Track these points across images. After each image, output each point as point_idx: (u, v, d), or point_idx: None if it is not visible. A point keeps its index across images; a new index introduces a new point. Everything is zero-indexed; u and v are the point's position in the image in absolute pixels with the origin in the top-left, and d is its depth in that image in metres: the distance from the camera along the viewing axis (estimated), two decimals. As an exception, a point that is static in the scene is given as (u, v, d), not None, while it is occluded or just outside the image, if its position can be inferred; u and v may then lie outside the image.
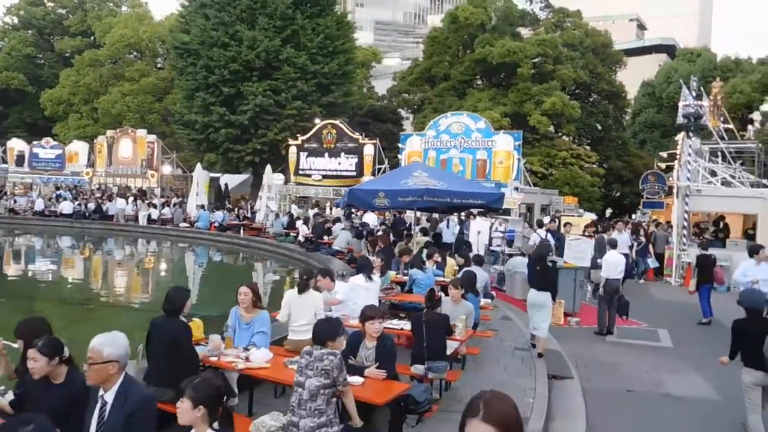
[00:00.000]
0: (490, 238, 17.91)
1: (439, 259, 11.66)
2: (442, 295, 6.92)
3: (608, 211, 42.23)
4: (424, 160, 28.88)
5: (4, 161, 40.81)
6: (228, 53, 31.78)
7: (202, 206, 25.94)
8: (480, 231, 17.40)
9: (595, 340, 10.98)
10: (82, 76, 49.99)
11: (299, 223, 21.20)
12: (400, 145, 29.83)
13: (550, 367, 8.68)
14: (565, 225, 16.60)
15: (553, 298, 9.51)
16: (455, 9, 41.04)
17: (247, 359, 5.36)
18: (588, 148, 41.72)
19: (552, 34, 40.14)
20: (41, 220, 27.76)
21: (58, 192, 34.33)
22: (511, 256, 16.37)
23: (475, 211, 17.43)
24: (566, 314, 12.31)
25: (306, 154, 32.20)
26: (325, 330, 4.61)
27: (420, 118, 38.49)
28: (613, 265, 11.18)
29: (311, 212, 24.25)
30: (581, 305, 12.71)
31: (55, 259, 20.75)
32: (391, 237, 15.20)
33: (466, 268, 10.25)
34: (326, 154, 31.53)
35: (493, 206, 12.93)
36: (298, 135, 32.37)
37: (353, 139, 30.99)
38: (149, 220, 26.89)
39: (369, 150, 30.53)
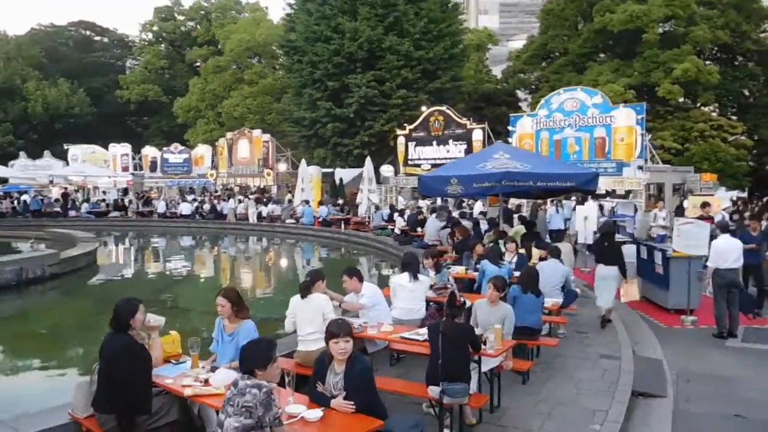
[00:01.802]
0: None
1: (521, 250, 10.19)
2: (466, 300, 5.61)
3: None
4: (536, 142, 26.98)
5: (141, 167, 43.77)
6: (331, 47, 31.57)
7: (307, 202, 25.81)
8: (587, 217, 15.46)
9: (711, 345, 8.99)
10: (208, 83, 52.56)
11: (396, 216, 20.30)
12: (510, 128, 27.98)
13: (640, 380, 7.02)
14: (702, 206, 14.27)
15: (623, 274, 9.63)
16: (570, -24, 38.12)
17: (206, 382, 4.44)
18: (733, 118, 37.13)
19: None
20: (163, 222, 29.09)
21: (190, 195, 36.04)
22: (623, 243, 14.36)
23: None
24: (678, 312, 10.36)
25: (414, 143, 31.25)
26: (252, 354, 3.58)
27: (537, 99, 36.13)
28: (723, 252, 9.12)
29: (409, 203, 23.25)
30: (701, 301, 10.63)
31: (174, 258, 21.51)
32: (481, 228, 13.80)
33: (539, 262, 8.78)
34: (434, 143, 30.39)
35: (584, 188, 11.20)
36: (405, 124, 31.52)
37: (461, 125, 29.58)
38: (259, 217, 27.24)
39: (477, 135, 28.98)
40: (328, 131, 32.61)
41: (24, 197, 32.32)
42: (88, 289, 14.22)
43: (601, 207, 16.60)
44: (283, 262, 20.87)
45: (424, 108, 31.07)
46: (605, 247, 9.78)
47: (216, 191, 37.24)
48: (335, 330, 4.04)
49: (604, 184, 24.90)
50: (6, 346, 9.48)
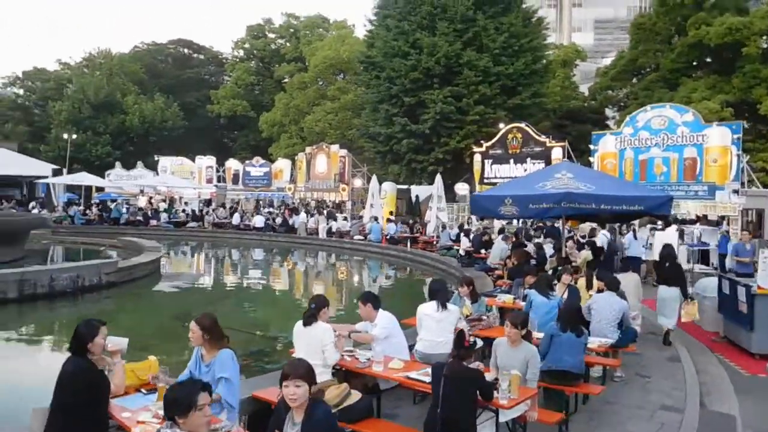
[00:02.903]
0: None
1: (573, 282, 9.22)
2: (476, 339, 4.85)
3: None
4: (620, 162, 25.45)
5: (224, 179, 45.07)
6: (408, 62, 31.24)
7: (375, 218, 25.39)
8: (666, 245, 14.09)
9: (801, 401, 7.71)
10: (293, 99, 53.62)
11: (462, 236, 19.46)
12: (591, 146, 26.54)
13: (703, 442, 6.00)
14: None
15: (684, 295, 9.86)
16: (664, -12, 36.07)
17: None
18: None
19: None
20: (236, 233, 29.50)
21: (266, 208, 36.57)
22: (705, 275, 12.98)
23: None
24: (764, 358, 9.06)
25: (491, 161, 30.32)
26: (173, 397, 3.04)
27: (624, 116, 34.29)
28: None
29: (482, 223, 22.31)
30: (793, 346, 9.25)
31: (238, 269, 21.68)
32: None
33: (595, 295, 7.83)
34: (511, 161, 29.33)
35: (655, 213, 10.09)
36: (482, 141, 30.67)
37: (539, 143, 28.41)
38: (329, 232, 27.09)
39: (557, 153, 27.71)
40: (403, 147, 32.19)
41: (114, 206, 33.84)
42: (141, 298, 14.28)
43: (681, 233, 15.09)
44: (344, 280, 20.46)
45: (501, 125, 30.12)
46: (666, 268, 10.12)
47: (290, 204, 37.61)
48: (286, 370, 3.44)
49: (694, 209, 23.12)
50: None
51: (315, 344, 5.46)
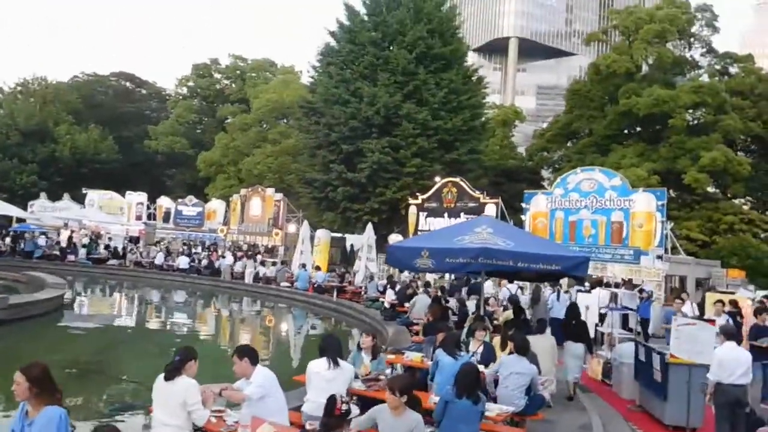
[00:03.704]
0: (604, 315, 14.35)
1: (494, 339, 8.80)
2: (350, 407, 4.29)
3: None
4: (550, 222, 25.68)
5: (155, 217, 43.44)
6: (348, 110, 31.15)
7: (303, 266, 24.68)
8: (588, 306, 13.95)
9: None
10: (234, 140, 52.84)
11: (388, 288, 18.95)
12: (523, 205, 26.76)
13: None
14: (715, 303, 12.78)
15: (590, 351, 10.80)
16: (597, 58, 37.60)
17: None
18: (767, 213, 35.41)
19: (714, 80, 35.15)
20: (158, 274, 28.20)
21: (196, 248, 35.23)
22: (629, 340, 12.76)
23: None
24: (676, 429, 8.76)
25: (426, 213, 30.18)
26: None
27: (558, 177, 35.06)
28: (729, 363, 7.64)
29: (408, 276, 21.87)
30: (704, 418, 8.97)
31: (147, 313, 20.41)
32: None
33: (502, 357, 7.39)
34: (446, 214, 29.24)
35: (572, 274, 9.85)
36: (418, 194, 30.57)
37: (474, 198, 28.49)
38: (256, 277, 26.16)
39: (490, 210, 27.76)
40: (339, 195, 31.78)
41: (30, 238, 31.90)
42: (29, 340, 13.02)
43: (615, 296, 15.04)
44: (266, 329, 19.54)
45: (437, 178, 30.15)
46: (573, 325, 10.55)
47: (212, 246, 36.40)
48: None
49: (620, 273, 23.36)
50: None
51: (175, 402, 4.78)
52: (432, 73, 32.05)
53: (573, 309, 11.15)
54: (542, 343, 9.54)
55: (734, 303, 13.08)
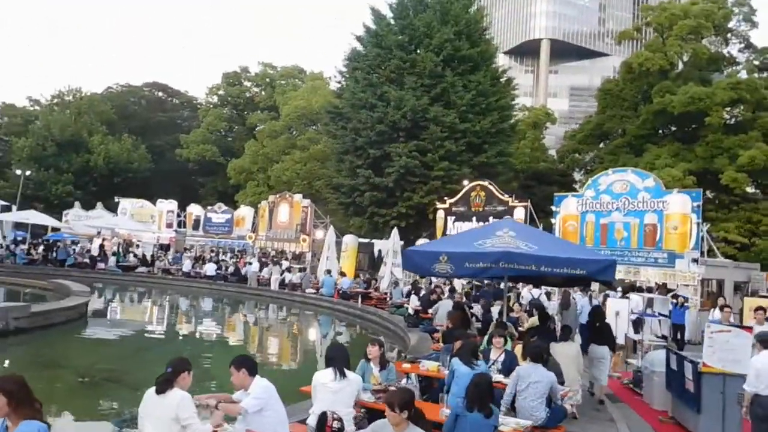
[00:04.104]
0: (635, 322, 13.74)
1: (509, 347, 8.39)
2: (342, 421, 3.96)
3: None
4: (581, 225, 24.98)
5: (185, 225, 43.83)
6: (375, 114, 30.93)
7: (329, 272, 24.45)
8: (618, 312, 13.38)
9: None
10: (263, 147, 53.13)
11: (413, 294, 18.58)
12: (553, 208, 26.11)
13: None
14: (756, 310, 11.96)
15: (612, 350, 10.61)
16: (630, 56, 36.70)
17: None
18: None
19: (753, 76, 33.96)
20: (186, 281, 28.32)
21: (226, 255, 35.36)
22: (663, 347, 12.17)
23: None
24: (712, 444, 8.22)
25: (453, 218, 29.73)
26: None
27: (589, 179, 34.25)
28: (766, 374, 7.09)
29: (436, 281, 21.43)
30: (741, 431, 8.40)
31: (172, 322, 20.38)
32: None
33: (518, 367, 6.98)
34: (474, 218, 28.75)
35: (598, 277, 9.37)
36: (446, 198, 30.16)
37: (502, 202, 27.97)
38: (282, 284, 26.05)
39: (519, 213, 27.23)
40: (366, 200, 31.55)
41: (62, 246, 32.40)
42: (48, 348, 12.98)
43: (650, 302, 14.44)
44: (289, 337, 19.34)
45: (466, 182, 29.71)
46: (596, 328, 10.60)
47: (240, 253, 36.45)
48: None
49: (654, 277, 22.61)
50: None
51: (166, 416, 4.52)
52: (459, 75, 31.66)
53: (597, 311, 11.23)
54: (566, 350, 9.11)
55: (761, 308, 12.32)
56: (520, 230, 10.25)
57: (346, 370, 5.82)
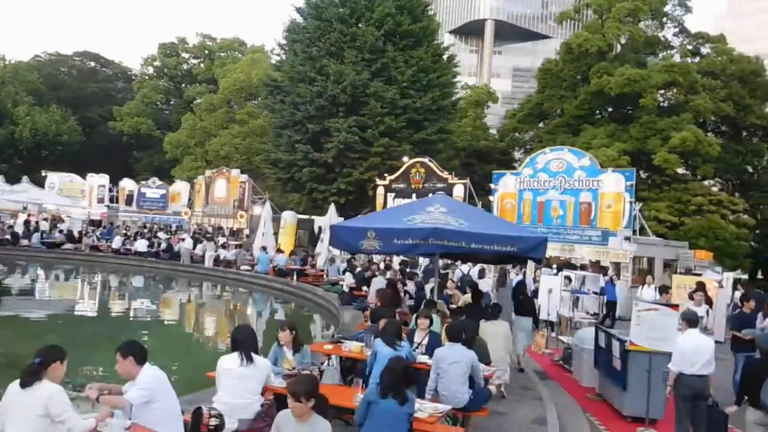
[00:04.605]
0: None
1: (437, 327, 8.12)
2: (221, 415, 3.54)
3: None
4: (519, 203, 25.17)
5: (117, 200, 42.10)
6: (314, 88, 30.16)
7: (264, 248, 23.84)
8: (551, 289, 13.36)
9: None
10: (201, 120, 51.47)
11: (348, 271, 18.22)
12: (492, 186, 26.17)
13: None
14: (695, 292, 11.94)
15: (535, 324, 11.63)
16: (570, 37, 36.97)
17: None
18: (735, 194, 35.27)
19: (686, 59, 34.72)
20: (116, 258, 27.16)
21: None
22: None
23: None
24: (636, 421, 8.21)
25: (393, 195, 29.48)
26: None
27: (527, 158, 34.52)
28: (691, 353, 7.07)
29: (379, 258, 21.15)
30: (665, 409, 8.41)
31: (87, 300, 19.32)
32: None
33: (437, 349, 6.71)
34: (413, 195, 28.51)
35: (528, 255, 9.20)
36: (385, 174, 29.85)
37: (442, 179, 27.83)
38: (216, 261, 25.28)
39: (459, 191, 27.19)
40: (305, 176, 30.89)
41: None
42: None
43: (569, 278, 14.46)
44: (219, 317, 18.71)
45: (405, 158, 29.44)
46: (520, 300, 11.25)
47: (176, 230, 35.28)
48: None
49: (588, 254, 22.95)
50: None
51: (33, 413, 3.99)
52: (401, 51, 31.18)
53: (520, 286, 11.96)
54: (495, 329, 8.95)
55: (702, 285, 12.52)
56: (452, 206, 9.99)
57: (253, 355, 5.39)
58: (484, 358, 7.71)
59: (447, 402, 6.37)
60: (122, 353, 4.56)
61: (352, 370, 8.06)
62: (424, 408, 5.42)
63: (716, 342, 9.97)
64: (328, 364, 7.60)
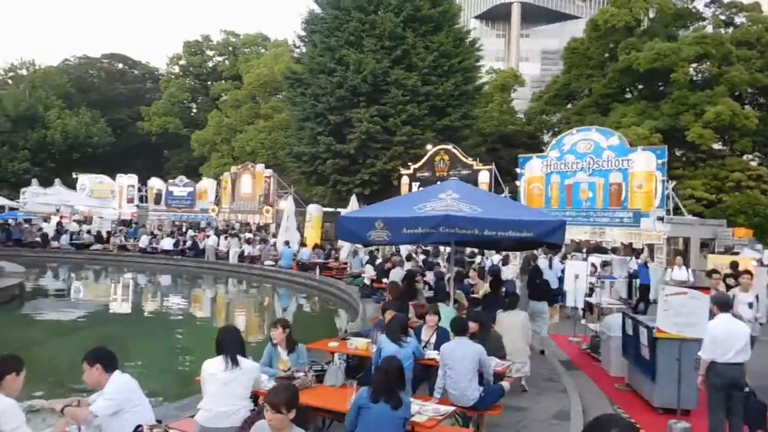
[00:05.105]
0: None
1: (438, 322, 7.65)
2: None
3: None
4: (546, 186, 24.48)
5: (146, 200, 42.48)
6: (334, 79, 29.75)
7: (287, 243, 23.62)
8: (578, 275, 12.75)
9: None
10: (226, 117, 51.61)
11: (368, 263, 17.85)
12: (518, 170, 25.48)
13: None
14: (711, 274, 10.67)
15: (550, 304, 11.36)
16: (597, 12, 35.83)
17: None
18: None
19: (719, 30, 33.33)
20: (142, 257, 27.31)
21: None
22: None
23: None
24: (667, 412, 7.66)
25: (418, 183, 28.95)
26: None
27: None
28: (723, 339, 6.50)
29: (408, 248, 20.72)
30: (699, 400, 7.83)
31: (112, 303, 19.33)
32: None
33: (444, 344, 6.28)
34: (438, 183, 27.96)
35: (548, 240, 8.66)
36: (409, 163, 29.38)
37: (467, 165, 27.29)
38: (241, 257, 25.19)
39: (484, 177, 26.62)
40: (328, 168, 30.58)
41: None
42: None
43: (594, 266, 13.85)
44: (245, 314, 18.52)
45: (429, 146, 28.91)
46: (536, 285, 11.09)
47: (203, 227, 35.34)
48: None
49: (620, 237, 22.19)
50: None
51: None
52: (421, 37, 30.53)
53: (535, 270, 11.65)
54: (512, 319, 8.47)
55: (734, 265, 11.72)
56: (465, 192, 9.45)
57: (240, 357, 5.04)
58: (498, 351, 7.27)
59: (456, 401, 5.97)
60: (89, 361, 4.25)
61: (359, 368, 7.69)
62: (423, 411, 5.00)
63: (760, 324, 9.32)
64: (336, 363, 7.23)
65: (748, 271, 10.17)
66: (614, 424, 2.20)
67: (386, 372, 4.58)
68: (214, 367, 5.01)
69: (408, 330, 6.82)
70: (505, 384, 6.42)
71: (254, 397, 5.23)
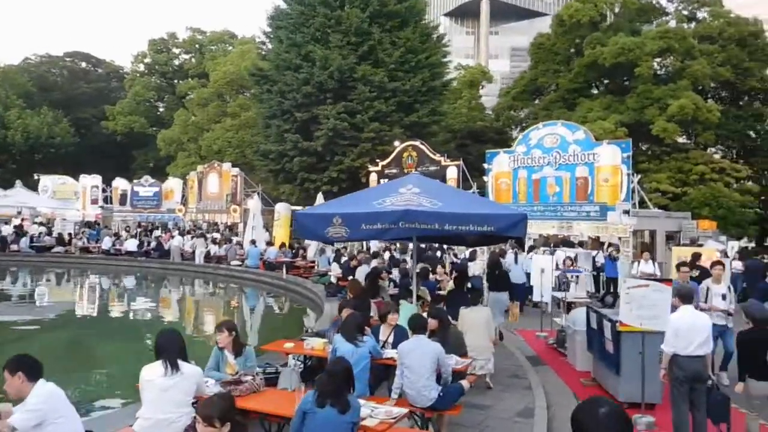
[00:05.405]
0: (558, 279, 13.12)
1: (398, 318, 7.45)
2: None
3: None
4: (513, 181, 24.40)
5: (111, 201, 41.57)
6: (300, 75, 29.37)
7: (253, 242, 23.24)
8: (544, 269, 12.66)
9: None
10: (193, 115, 50.80)
11: (334, 261, 17.60)
12: (485, 165, 25.42)
13: None
14: (679, 267, 10.45)
15: (511, 299, 11.59)
16: (562, 8, 36.01)
17: None
18: (738, 161, 34.40)
19: (681, 25, 33.72)
20: (105, 259, 26.66)
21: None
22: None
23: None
24: (632, 407, 7.56)
25: (387, 180, 28.73)
26: None
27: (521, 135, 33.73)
28: (685, 332, 6.42)
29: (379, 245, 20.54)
30: (663, 393, 7.75)
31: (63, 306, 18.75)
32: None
33: (401, 344, 6.07)
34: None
35: (509, 234, 8.52)
36: (377, 160, 29.14)
37: (434, 162, 27.13)
38: (207, 257, 24.71)
39: (452, 173, 26.52)
40: (295, 166, 30.20)
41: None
42: None
43: (575, 258, 13.84)
44: (201, 317, 18.11)
45: (397, 143, 28.72)
46: (496, 276, 11.48)
47: (169, 228, 34.70)
48: None
49: (586, 231, 22.22)
50: None
51: None
52: (387, 32, 30.31)
53: (494, 261, 12.20)
54: (475, 315, 8.30)
55: (696, 257, 11.73)
56: (426, 186, 9.25)
57: (180, 362, 4.77)
58: (459, 349, 7.09)
59: (414, 401, 5.77)
60: (10, 370, 3.95)
61: (319, 370, 7.45)
62: (375, 414, 4.78)
63: (728, 314, 9.26)
64: (297, 365, 6.99)
65: (720, 262, 9.94)
66: (603, 405, 2.28)
67: (332, 374, 4.35)
68: (151, 373, 4.73)
69: (365, 329, 6.59)
70: (465, 383, 6.24)
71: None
